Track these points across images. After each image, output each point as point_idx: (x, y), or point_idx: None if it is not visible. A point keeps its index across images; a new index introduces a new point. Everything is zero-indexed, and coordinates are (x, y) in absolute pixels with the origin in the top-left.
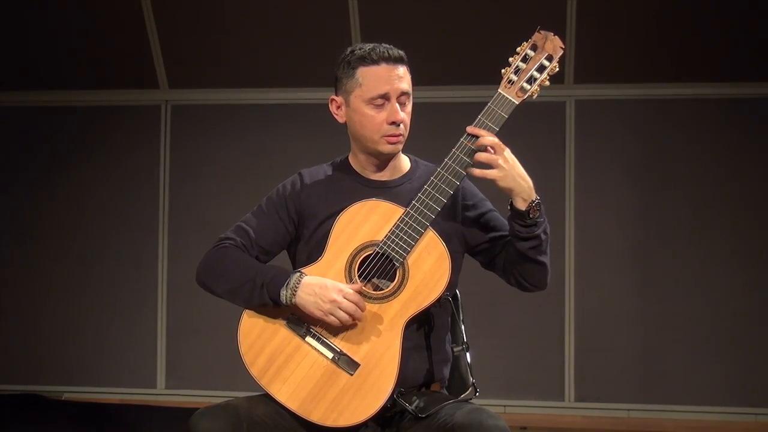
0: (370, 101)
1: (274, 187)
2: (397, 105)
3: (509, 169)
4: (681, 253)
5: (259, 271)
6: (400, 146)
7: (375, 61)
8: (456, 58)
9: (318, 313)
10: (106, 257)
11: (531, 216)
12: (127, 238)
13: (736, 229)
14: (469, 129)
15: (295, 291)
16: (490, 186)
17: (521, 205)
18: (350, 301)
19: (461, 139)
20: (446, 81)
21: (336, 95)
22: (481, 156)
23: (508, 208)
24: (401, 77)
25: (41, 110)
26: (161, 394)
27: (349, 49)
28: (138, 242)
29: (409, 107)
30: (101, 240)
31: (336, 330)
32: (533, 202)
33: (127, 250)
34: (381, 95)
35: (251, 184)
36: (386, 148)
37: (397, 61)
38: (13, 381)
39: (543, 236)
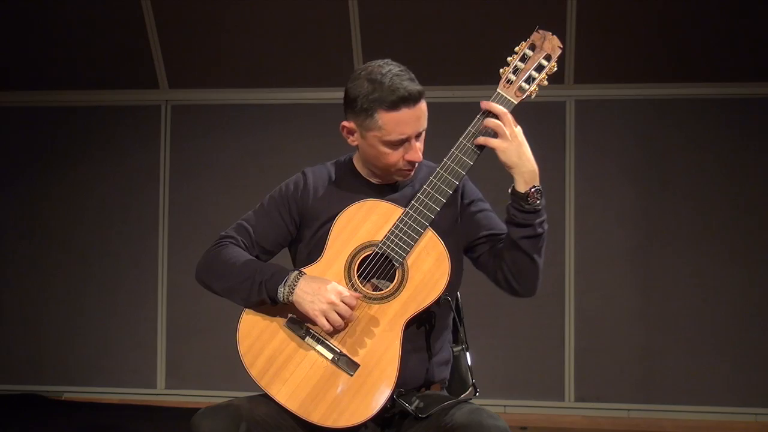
0: (389, 143)
1: (275, 186)
2: (415, 141)
3: (515, 145)
4: (681, 253)
5: (258, 269)
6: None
7: (395, 106)
8: (456, 59)
9: (312, 313)
10: (106, 257)
11: (530, 201)
12: (127, 238)
13: (735, 229)
14: (485, 104)
15: (293, 288)
16: (492, 188)
17: (521, 187)
18: (347, 305)
19: (460, 139)
20: (446, 81)
21: (348, 121)
22: (489, 122)
23: (509, 191)
24: (420, 117)
25: (41, 110)
26: (161, 394)
27: (364, 73)
28: (138, 242)
29: (423, 136)
30: (101, 240)
31: (336, 331)
32: (534, 187)
33: (127, 250)
34: (402, 139)
35: (251, 184)
36: (398, 179)
37: (417, 100)
38: (13, 381)
39: (539, 230)
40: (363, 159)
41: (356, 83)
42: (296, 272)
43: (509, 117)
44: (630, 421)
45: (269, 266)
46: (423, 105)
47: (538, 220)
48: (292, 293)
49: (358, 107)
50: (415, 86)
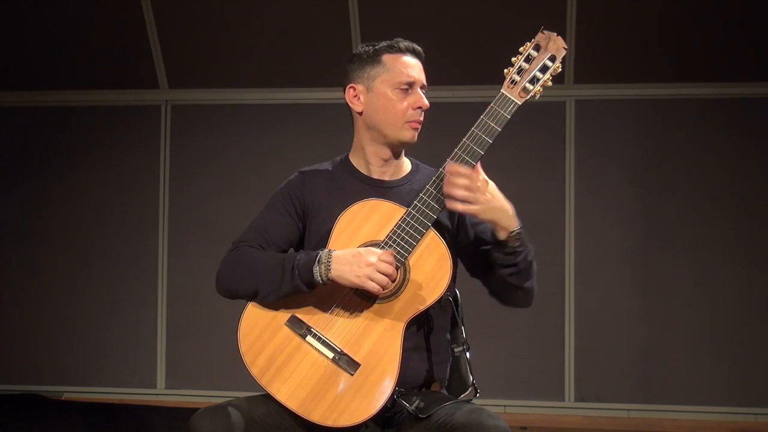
0: (398, 86)
1: (274, 186)
2: (419, 91)
3: (491, 204)
4: (681, 253)
5: (285, 258)
6: (416, 135)
7: (402, 51)
8: (456, 59)
9: (357, 280)
10: (106, 257)
11: (510, 245)
12: (127, 238)
13: (735, 229)
14: (449, 168)
15: (329, 264)
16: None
17: (501, 235)
18: (386, 262)
19: (464, 139)
20: (446, 81)
21: (354, 83)
22: (461, 194)
23: (490, 235)
24: (422, 71)
25: (41, 110)
26: (161, 394)
27: (365, 44)
28: (138, 242)
29: (425, 94)
30: (101, 240)
31: (336, 330)
32: (513, 231)
33: (127, 250)
34: (408, 82)
35: (251, 184)
36: (407, 135)
37: (419, 56)
38: (13, 381)
39: (523, 264)
40: (370, 125)
41: (357, 53)
42: (326, 250)
43: (476, 179)
44: (630, 421)
45: (293, 253)
46: (422, 66)
47: (519, 258)
48: (329, 269)
49: (362, 61)
50: (417, 46)
